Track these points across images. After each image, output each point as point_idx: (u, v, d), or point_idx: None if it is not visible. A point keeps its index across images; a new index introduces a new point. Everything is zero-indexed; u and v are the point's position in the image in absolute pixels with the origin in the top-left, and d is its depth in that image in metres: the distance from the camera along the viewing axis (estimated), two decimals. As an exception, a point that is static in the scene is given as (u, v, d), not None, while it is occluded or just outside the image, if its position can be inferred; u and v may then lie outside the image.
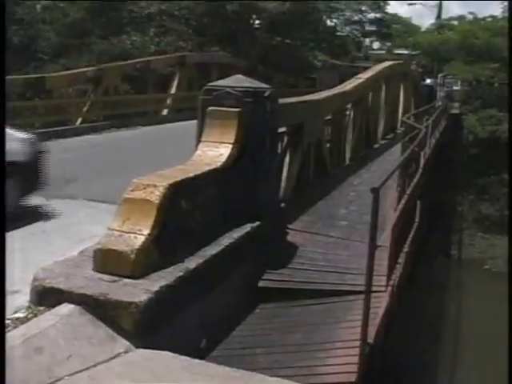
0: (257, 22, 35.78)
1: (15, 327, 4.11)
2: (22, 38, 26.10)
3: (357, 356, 4.68)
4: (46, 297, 4.57)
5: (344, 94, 13.19)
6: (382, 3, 47.68)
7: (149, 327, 4.43)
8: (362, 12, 46.38)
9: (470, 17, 35.47)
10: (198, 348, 5.08)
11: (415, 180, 8.28)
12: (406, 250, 7.22)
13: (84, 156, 13.42)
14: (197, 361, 4.08)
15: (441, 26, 37.33)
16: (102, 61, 24.10)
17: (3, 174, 5.82)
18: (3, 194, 5.83)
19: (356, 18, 48.04)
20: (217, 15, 32.04)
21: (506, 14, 30.33)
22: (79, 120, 19.64)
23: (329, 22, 45.91)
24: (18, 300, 4.68)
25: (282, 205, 8.62)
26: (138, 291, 4.52)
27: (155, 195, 5.15)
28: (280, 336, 5.68)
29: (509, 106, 22.80)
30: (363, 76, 15.85)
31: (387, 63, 20.15)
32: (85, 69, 21.54)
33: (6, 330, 3.95)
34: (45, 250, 6.18)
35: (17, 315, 4.42)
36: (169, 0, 30.24)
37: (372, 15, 48.59)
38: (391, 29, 54.02)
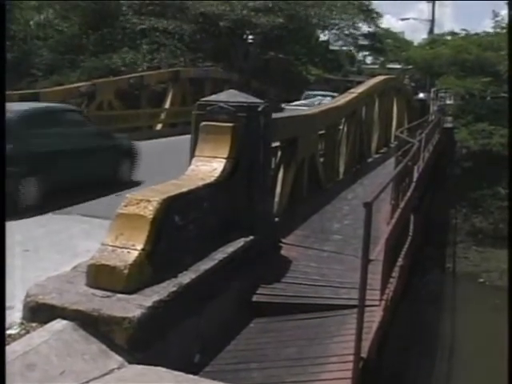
0: (250, 36, 35.94)
1: (7, 344, 4.08)
2: (15, 54, 26.14)
3: (350, 370, 4.66)
4: (38, 313, 4.56)
5: (337, 109, 13.24)
6: (375, 18, 47.87)
7: (142, 342, 4.41)
8: (355, 26, 46.55)
9: (463, 33, 35.75)
10: (192, 363, 5.06)
11: (408, 194, 8.30)
12: (399, 263, 7.23)
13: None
14: (190, 376, 4.07)
15: (433, 40, 37.54)
16: (93, 77, 24.14)
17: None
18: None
19: (347, 32, 48.20)
20: (210, 31, 32.20)
21: (498, 30, 30.55)
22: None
23: (322, 37, 46.13)
24: (11, 316, 4.65)
25: (276, 219, 8.62)
26: (132, 306, 4.51)
27: (148, 210, 5.16)
28: (274, 350, 5.66)
29: (509, 119, 22.87)
30: (356, 90, 15.91)
31: (380, 78, 20.23)
32: (78, 84, 21.57)
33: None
34: (38, 265, 6.16)
35: (9, 332, 4.39)
36: (162, 18, 30.39)
37: (365, 29, 48.82)
38: (384, 43, 54.32)
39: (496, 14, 31.37)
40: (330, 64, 45.86)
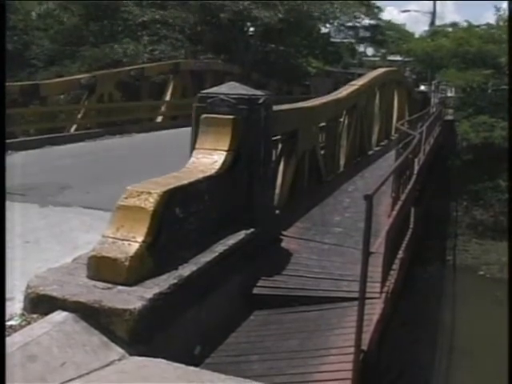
0: (251, 29, 35.87)
1: (8, 335, 4.09)
2: (16, 45, 26.12)
3: (351, 363, 4.67)
4: (39, 304, 4.57)
5: (338, 101, 13.21)
6: (376, 9, 47.77)
7: (143, 334, 4.42)
8: (356, 18, 46.43)
9: (465, 24, 35.65)
10: (193, 355, 5.08)
11: (409, 186, 8.30)
12: (400, 256, 7.24)
13: (78, 163, 13.39)
14: (191, 368, 4.07)
15: (434, 32, 37.46)
16: (94, 68, 24.12)
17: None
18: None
19: (350, 24, 48.09)
20: (211, 23, 32.12)
21: (501, 22, 30.46)
22: (73, 127, 19.61)
23: (323, 29, 45.99)
24: (12, 307, 4.66)
25: (277, 211, 8.62)
26: (132, 298, 4.51)
27: (149, 202, 5.16)
28: (274, 343, 5.67)
29: (508, 111, 22.84)
30: (357, 83, 15.88)
31: (381, 70, 20.18)
32: (79, 76, 21.54)
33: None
34: (39, 257, 6.16)
35: (10, 323, 4.40)
36: (162, 10, 30.33)
37: (366, 21, 48.69)
38: (385, 35, 54.20)
39: (498, 8, 31.31)
40: (330, 56, 45.78)
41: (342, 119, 14.07)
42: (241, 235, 6.48)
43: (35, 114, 18.55)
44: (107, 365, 4.08)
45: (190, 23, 31.19)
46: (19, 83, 18.67)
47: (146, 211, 5.11)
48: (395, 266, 6.86)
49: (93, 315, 4.39)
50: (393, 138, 18.87)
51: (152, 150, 15.95)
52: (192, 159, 6.72)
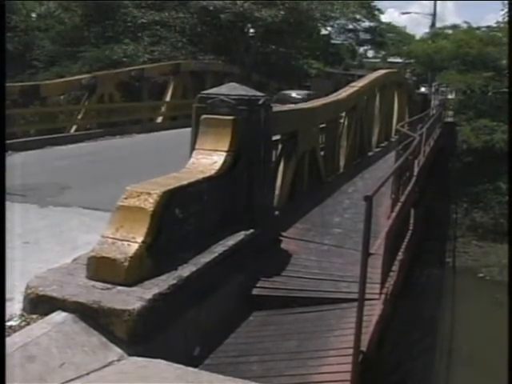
0: (251, 30, 35.87)
1: (8, 335, 4.08)
2: (16, 46, 26.12)
3: (350, 364, 4.67)
4: (39, 305, 4.56)
5: (338, 102, 13.20)
6: (376, 11, 47.82)
7: (142, 335, 4.42)
8: (356, 20, 46.43)
9: (465, 26, 35.56)
10: (192, 356, 5.07)
11: (409, 188, 8.30)
12: (399, 257, 7.23)
13: (78, 164, 13.40)
14: (190, 369, 4.07)
15: (435, 34, 37.42)
16: (94, 69, 24.13)
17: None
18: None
19: (351, 26, 48.14)
20: (211, 24, 32.13)
21: (502, 25, 30.31)
22: (74, 128, 19.62)
23: (323, 31, 46.01)
24: (11, 308, 4.66)
25: (276, 212, 8.61)
26: (132, 299, 4.51)
27: (149, 203, 5.15)
28: (274, 344, 5.67)
29: (509, 114, 22.79)
30: (357, 84, 15.86)
31: (381, 71, 20.15)
32: (79, 76, 21.56)
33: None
34: (38, 257, 6.16)
35: (9, 323, 4.40)
36: (162, 11, 30.36)
37: (366, 24, 48.70)
38: (386, 37, 54.23)
39: (504, 4, 30.81)
40: (331, 58, 45.79)
41: (342, 120, 14.06)
42: (240, 236, 6.48)
43: (35, 115, 18.55)
44: (106, 365, 4.08)
45: (190, 24, 31.20)
46: (20, 84, 18.70)
47: (145, 212, 5.11)
48: (395, 268, 6.85)
49: (92, 316, 4.39)
50: (393, 139, 18.85)
51: (152, 151, 15.96)
52: (192, 160, 6.72)
